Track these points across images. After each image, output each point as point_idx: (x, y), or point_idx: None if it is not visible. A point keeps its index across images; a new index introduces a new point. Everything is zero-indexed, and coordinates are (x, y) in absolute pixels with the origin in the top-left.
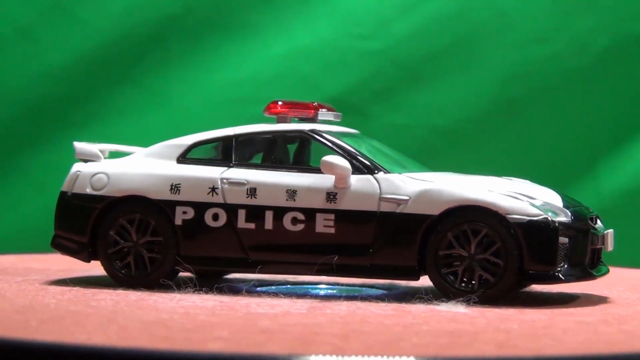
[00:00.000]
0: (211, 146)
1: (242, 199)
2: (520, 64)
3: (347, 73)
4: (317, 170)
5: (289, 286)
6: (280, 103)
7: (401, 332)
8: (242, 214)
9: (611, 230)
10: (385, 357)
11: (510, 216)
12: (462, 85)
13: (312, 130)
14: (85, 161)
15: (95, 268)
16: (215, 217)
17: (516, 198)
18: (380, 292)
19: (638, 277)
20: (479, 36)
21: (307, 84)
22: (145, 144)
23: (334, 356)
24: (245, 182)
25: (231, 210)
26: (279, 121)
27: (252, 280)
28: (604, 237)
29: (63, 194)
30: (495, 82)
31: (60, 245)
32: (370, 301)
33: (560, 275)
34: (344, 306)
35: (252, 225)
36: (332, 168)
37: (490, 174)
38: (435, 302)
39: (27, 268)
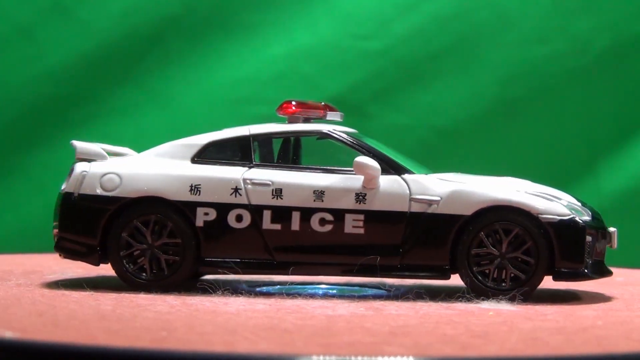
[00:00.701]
0: (226, 146)
1: (267, 199)
2: (520, 64)
3: (347, 73)
4: (342, 171)
5: (288, 286)
6: (294, 103)
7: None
8: (267, 215)
9: (615, 228)
10: (385, 357)
11: (542, 216)
12: (462, 85)
13: (330, 131)
14: (88, 161)
15: (99, 269)
16: (239, 218)
17: (546, 198)
18: (381, 292)
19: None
20: (479, 36)
21: (307, 84)
22: (145, 144)
23: (334, 356)
24: (270, 182)
25: (256, 211)
26: (290, 121)
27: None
28: (611, 235)
29: (68, 195)
30: (495, 82)
31: (66, 248)
32: (417, 300)
33: (589, 273)
34: (395, 306)
35: (277, 227)
36: (364, 169)
37: (490, 174)
38: (476, 300)
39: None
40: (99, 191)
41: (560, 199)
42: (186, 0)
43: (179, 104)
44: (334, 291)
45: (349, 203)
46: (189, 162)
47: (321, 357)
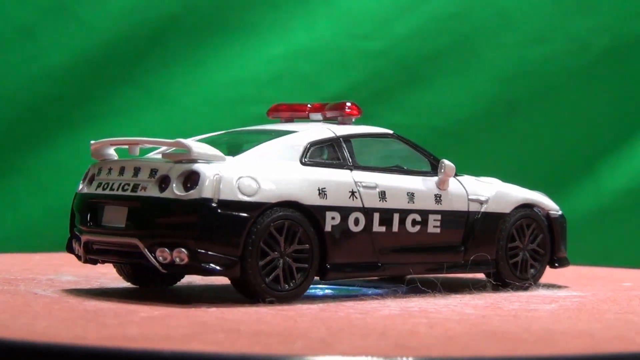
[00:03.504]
0: (322, 147)
1: (375, 202)
2: (520, 64)
3: (347, 73)
4: (416, 173)
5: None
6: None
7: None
8: (376, 217)
9: None
10: (385, 357)
11: (551, 212)
12: (462, 85)
13: (395, 133)
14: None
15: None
16: (356, 221)
17: (545, 196)
18: (381, 291)
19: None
20: (479, 36)
21: (306, 84)
22: None
23: (334, 356)
24: (375, 185)
25: (368, 214)
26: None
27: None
28: None
29: (207, 202)
30: (495, 82)
31: (204, 265)
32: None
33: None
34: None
35: (383, 229)
36: (448, 170)
37: (490, 173)
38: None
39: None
40: (240, 196)
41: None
42: (186, 0)
43: (179, 104)
44: (332, 291)
45: (431, 204)
46: (299, 164)
47: (321, 357)
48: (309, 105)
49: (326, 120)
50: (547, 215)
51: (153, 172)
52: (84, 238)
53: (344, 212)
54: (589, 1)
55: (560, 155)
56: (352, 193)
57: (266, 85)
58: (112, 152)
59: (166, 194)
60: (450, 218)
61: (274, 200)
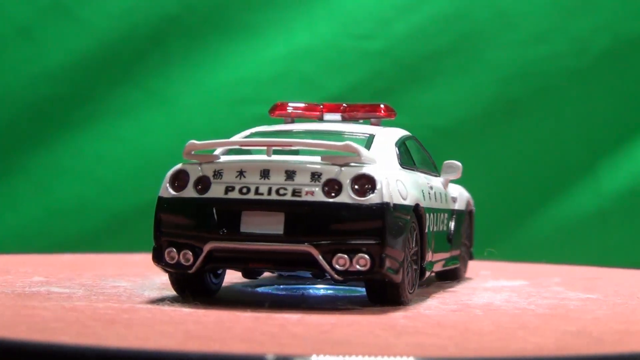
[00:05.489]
0: (402, 149)
1: (433, 203)
2: (520, 64)
3: (347, 73)
4: (432, 174)
5: (288, 286)
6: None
7: None
8: (432, 217)
9: None
10: (385, 357)
11: (473, 208)
12: (462, 85)
13: (413, 135)
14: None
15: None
16: (436, 221)
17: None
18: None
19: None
20: (479, 36)
21: (307, 84)
22: (145, 143)
23: (334, 356)
24: (431, 186)
25: (432, 214)
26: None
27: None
28: None
29: (387, 206)
30: (495, 82)
31: (386, 271)
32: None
33: None
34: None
35: (436, 228)
36: (458, 171)
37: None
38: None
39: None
40: (402, 200)
41: None
42: (186, 0)
43: (179, 104)
44: (331, 291)
45: (446, 204)
46: (400, 167)
47: (321, 357)
48: (321, 106)
49: (346, 120)
50: (471, 211)
51: (315, 175)
52: (208, 246)
53: (434, 213)
54: (589, 1)
55: (560, 155)
56: (430, 194)
57: (266, 85)
58: (218, 152)
59: (341, 199)
60: (455, 216)
61: (413, 203)
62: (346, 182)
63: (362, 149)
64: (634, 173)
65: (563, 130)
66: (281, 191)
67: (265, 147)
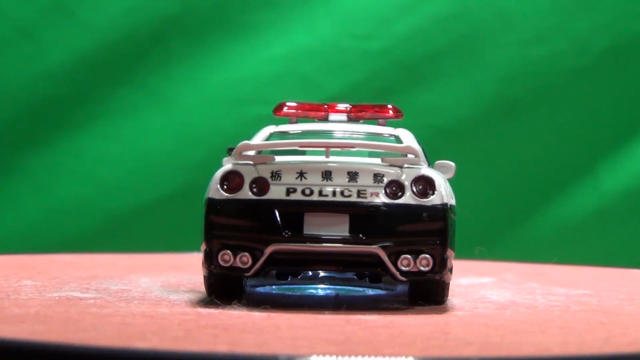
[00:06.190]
0: None
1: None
2: (520, 64)
3: (347, 73)
4: None
5: (288, 286)
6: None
7: None
8: None
9: None
10: (385, 357)
11: None
12: (462, 85)
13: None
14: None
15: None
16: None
17: None
18: (382, 292)
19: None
20: (479, 36)
21: (307, 84)
22: (145, 144)
23: (334, 356)
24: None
25: None
26: (291, 122)
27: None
28: None
29: (447, 207)
30: (495, 82)
31: (446, 271)
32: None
33: None
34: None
35: None
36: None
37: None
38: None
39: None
40: (452, 201)
41: None
42: (186, 0)
43: (179, 104)
44: (331, 291)
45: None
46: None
47: (321, 357)
48: (326, 105)
49: (351, 120)
50: None
51: (378, 177)
52: (270, 248)
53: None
54: (589, 1)
55: (560, 155)
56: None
57: (266, 85)
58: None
59: (404, 200)
60: None
61: (455, 203)
62: (408, 184)
63: (420, 151)
64: (634, 173)
65: (563, 130)
66: (346, 192)
67: (323, 148)
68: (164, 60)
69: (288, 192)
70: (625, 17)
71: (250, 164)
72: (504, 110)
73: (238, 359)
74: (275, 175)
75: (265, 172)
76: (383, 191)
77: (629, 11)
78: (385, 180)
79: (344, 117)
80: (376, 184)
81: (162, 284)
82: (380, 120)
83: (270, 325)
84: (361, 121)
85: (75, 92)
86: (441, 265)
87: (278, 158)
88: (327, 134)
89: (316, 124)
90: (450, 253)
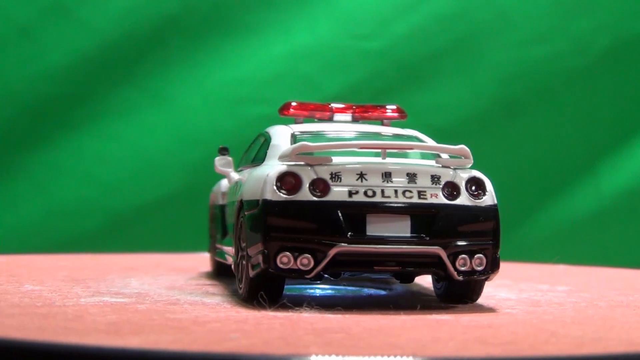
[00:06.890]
0: None
1: None
2: (520, 64)
3: (347, 73)
4: None
5: (288, 286)
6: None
7: None
8: None
9: None
10: (385, 357)
11: None
12: (462, 85)
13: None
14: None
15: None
16: None
17: None
18: (382, 292)
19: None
20: (479, 36)
21: (307, 84)
22: (145, 144)
23: (334, 356)
24: None
25: None
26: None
27: None
28: None
29: (496, 208)
30: (495, 82)
31: (496, 270)
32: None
33: None
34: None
35: None
36: None
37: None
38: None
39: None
40: (496, 201)
41: None
42: (186, 0)
43: (179, 104)
44: (332, 291)
45: None
46: None
47: (321, 357)
48: (331, 106)
49: (356, 121)
50: None
51: (435, 178)
52: (334, 250)
53: None
54: (589, 1)
55: (560, 155)
56: None
57: (266, 85)
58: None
59: (461, 201)
60: None
61: None
62: (462, 185)
63: (470, 152)
64: (634, 173)
65: (563, 130)
66: (407, 194)
67: (380, 150)
68: (164, 60)
69: (350, 193)
70: (625, 17)
71: (307, 165)
72: (504, 110)
73: (238, 359)
74: (335, 176)
75: (324, 173)
76: (441, 192)
77: (629, 11)
78: (442, 181)
79: (348, 117)
80: (434, 185)
81: (185, 286)
82: (385, 121)
83: (345, 327)
84: (360, 121)
85: (75, 92)
86: (493, 265)
87: (336, 159)
88: (355, 135)
89: (333, 125)
90: (498, 252)
